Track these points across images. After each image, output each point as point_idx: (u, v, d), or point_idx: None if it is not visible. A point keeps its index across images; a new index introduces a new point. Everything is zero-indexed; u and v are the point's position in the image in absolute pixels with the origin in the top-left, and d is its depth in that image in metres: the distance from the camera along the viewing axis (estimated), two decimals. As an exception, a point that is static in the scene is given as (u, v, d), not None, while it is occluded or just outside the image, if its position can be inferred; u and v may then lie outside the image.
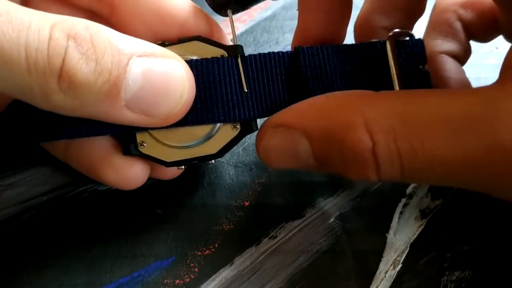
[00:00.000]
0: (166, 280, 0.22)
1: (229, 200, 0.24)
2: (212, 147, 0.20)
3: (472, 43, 0.31)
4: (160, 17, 0.21)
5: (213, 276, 0.22)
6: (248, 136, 0.26)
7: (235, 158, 0.26)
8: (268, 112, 0.21)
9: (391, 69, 0.21)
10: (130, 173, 0.21)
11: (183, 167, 0.21)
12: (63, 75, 0.16)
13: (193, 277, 0.22)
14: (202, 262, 0.22)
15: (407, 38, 0.22)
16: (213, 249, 0.23)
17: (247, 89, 0.21)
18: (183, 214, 0.24)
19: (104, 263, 0.22)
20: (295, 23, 0.24)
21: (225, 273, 0.22)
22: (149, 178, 0.23)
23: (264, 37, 0.30)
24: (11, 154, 0.24)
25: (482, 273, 0.23)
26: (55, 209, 0.23)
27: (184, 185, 0.24)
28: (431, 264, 0.23)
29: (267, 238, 0.23)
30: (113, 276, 0.22)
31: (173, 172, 0.23)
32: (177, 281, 0.22)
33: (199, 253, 0.23)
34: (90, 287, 0.21)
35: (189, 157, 0.20)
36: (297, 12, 0.23)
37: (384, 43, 0.21)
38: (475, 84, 0.30)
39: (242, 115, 0.20)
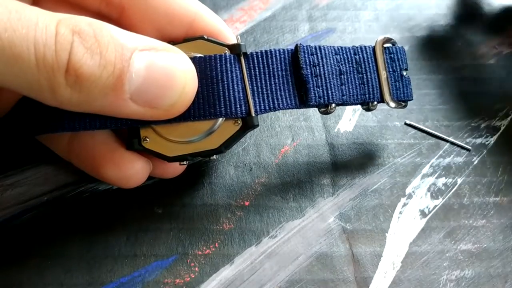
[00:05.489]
0: (166, 280, 0.22)
1: (229, 199, 0.24)
2: (213, 142, 0.21)
3: (472, 43, 0.31)
4: (168, 18, 0.21)
5: (213, 276, 0.22)
6: (249, 136, 0.27)
7: (235, 158, 0.26)
8: (269, 108, 0.21)
9: (379, 72, 0.23)
10: (131, 170, 0.21)
11: (185, 162, 0.21)
12: (69, 70, 0.16)
13: (193, 276, 0.22)
14: (203, 262, 0.22)
15: (390, 45, 0.24)
16: (213, 249, 0.23)
17: (248, 85, 0.21)
18: (183, 214, 0.24)
19: (105, 262, 0.22)
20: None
21: (225, 273, 0.22)
22: (150, 178, 0.23)
23: (264, 38, 0.30)
24: (12, 154, 0.24)
25: (481, 273, 0.23)
26: (56, 209, 0.23)
27: (184, 185, 0.25)
28: (430, 263, 0.23)
29: (267, 238, 0.23)
30: (114, 276, 0.22)
31: (175, 170, 0.23)
32: (177, 281, 0.22)
33: (200, 253, 0.23)
34: (91, 287, 0.21)
35: (190, 152, 0.20)
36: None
37: (373, 47, 0.24)
38: (473, 84, 0.30)
39: (244, 111, 0.21)
